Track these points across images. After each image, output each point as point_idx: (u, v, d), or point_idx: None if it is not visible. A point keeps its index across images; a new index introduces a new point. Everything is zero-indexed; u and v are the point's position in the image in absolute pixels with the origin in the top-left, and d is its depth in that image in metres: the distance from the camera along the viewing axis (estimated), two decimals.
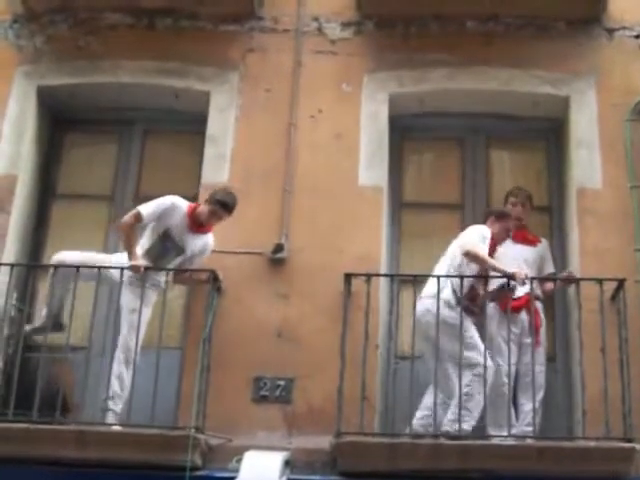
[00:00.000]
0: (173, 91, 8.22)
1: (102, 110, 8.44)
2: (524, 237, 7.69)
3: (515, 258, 7.48)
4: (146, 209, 7.19)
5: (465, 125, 8.32)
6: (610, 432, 6.63)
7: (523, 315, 7.36)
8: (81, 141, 8.59)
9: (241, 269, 7.50)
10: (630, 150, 7.73)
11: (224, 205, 7.25)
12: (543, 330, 7.42)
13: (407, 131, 8.34)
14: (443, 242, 7.60)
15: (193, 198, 7.62)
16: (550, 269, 7.70)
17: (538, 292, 7.39)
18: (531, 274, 7.27)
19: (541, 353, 7.31)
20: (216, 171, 7.85)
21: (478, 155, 8.29)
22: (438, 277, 7.07)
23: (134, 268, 7.05)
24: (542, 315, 7.48)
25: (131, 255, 7.12)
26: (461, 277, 7.14)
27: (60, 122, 8.50)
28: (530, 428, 6.92)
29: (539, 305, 7.44)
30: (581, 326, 6.95)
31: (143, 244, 7.27)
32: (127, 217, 7.17)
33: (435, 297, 6.93)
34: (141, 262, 7.10)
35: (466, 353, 6.89)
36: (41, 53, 8.32)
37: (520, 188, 7.86)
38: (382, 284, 7.48)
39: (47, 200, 8.32)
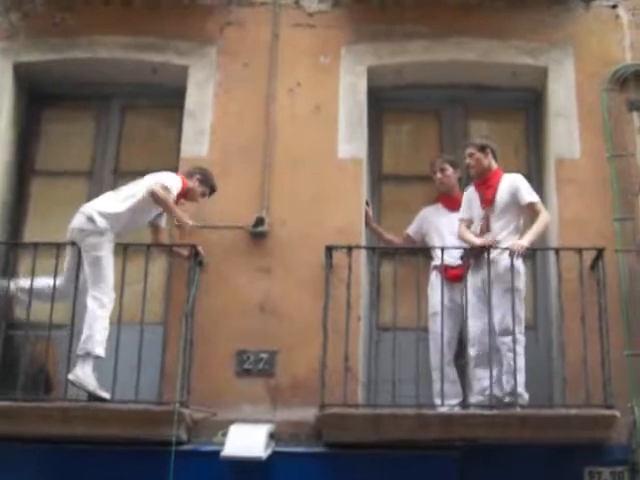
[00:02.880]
0: (151, 66, 8.13)
1: (79, 86, 8.34)
2: (457, 204, 7.61)
3: (448, 226, 7.54)
4: (169, 184, 7.17)
5: (443, 96, 8.28)
6: (590, 399, 6.70)
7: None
8: (59, 117, 8.48)
9: (222, 243, 7.48)
10: (608, 119, 7.74)
11: (214, 191, 7.44)
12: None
13: (386, 103, 8.29)
14: None
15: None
16: None
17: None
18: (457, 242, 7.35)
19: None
20: (195, 146, 7.80)
21: (457, 126, 8.25)
22: (419, 249, 7.12)
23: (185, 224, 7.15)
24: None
25: (181, 217, 7.15)
26: (442, 248, 7.19)
27: (37, 98, 8.40)
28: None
29: None
30: (561, 295, 7.03)
31: (130, 202, 7.17)
32: (158, 189, 7.06)
33: None
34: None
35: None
36: (17, 29, 8.20)
37: (440, 156, 7.86)
38: (363, 256, 7.48)
39: (26, 177, 8.24)
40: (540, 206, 7.22)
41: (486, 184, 7.35)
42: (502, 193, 7.26)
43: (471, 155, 7.39)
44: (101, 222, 7.05)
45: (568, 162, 7.70)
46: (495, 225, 7.22)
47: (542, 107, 8.10)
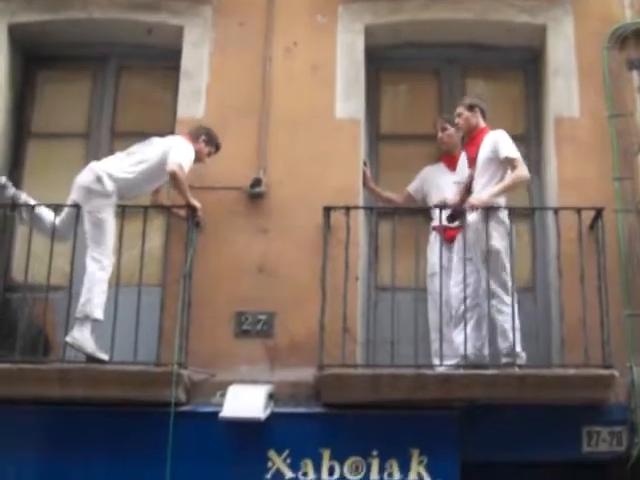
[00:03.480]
0: (146, 26, 8.01)
1: (75, 47, 8.24)
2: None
3: (449, 185, 7.48)
4: (186, 163, 7.09)
5: (441, 55, 8.18)
6: (589, 359, 6.67)
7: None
8: (55, 79, 8.39)
9: (220, 205, 7.42)
10: (608, 78, 7.65)
11: (219, 149, 7.41)
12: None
13: (383, 62, 8.18)
14: None
15: (170, 134, 7.50)
16: None
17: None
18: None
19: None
20: (192, 106, 7.71)
21: (455, 85, 8.15)
22: (418, 209, 7.06)
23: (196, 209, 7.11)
24: None
25: (191, 201, 7.10)
26: (440, 208, 7.12)
27: (33, 60, 8.29)
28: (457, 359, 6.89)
29: None
30: (560, 255, 6.97)
31: (141, 168, 7.12)
32: (180, 171, 6.99)
33: None
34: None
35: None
36: None
37: (441, 115, 7.79)
38: (361, 216, 7.42)
39: (22, 139, 8.15)
40: (518, 162, 7.04)
41: (471, 143, 7.30)
42: (484, 150, 7.16)
43: (460, 115, 7.36)
44: (109, 185, 6.99)
45: (567, 121, 7.62)
46: (477, 183, 7.13)
47: (541, 66, 8.00)
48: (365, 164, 7.61)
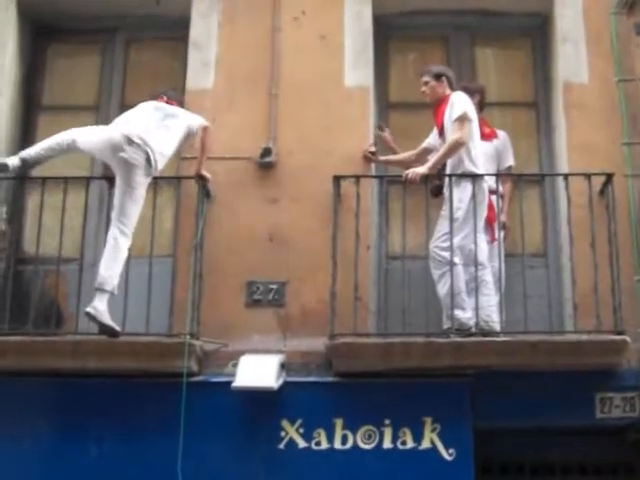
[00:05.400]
0: None
1: (84, 19, 7.89)
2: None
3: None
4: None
5: (450, 22, 7.80)
6: (601, 325, 6.40)
7: None
8: (64, 51, 8.06)
9: (230, 175, 7.11)
10: (616, 43, 7.30)
11: None
12: (498, 224, 6.87)
13: (391, 30, 7.82)
14: None
15: (180, 104, 7.17)
16: (508, 163, 7.21)
17: (493, 185, 6.86)
18: (490, 170, 6.90)
19: (495, 247, 6.83)
20: (201, 77, 7.38)
21: (463, 53, 7.80)
22: (427, 176, 6.66)
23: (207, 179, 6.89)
24: (497, 209, 6.87)
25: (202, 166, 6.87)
26: (450, 176, 6.72)
27: (42, 33, 7.97)
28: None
29: (493, 198, 6.88)
30: (570, 221, 6.67)
31: (177, 142, 6.79)
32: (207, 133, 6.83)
33: None
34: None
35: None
36: None
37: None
38: (372, 185, 7.12)
39: (32, 112, 7.83)
40: (459, 125, 6.64)
41: (438, 111, 6.91)
42: (446, 116, 6.80)
43: (426, 83, 6.96)
44: (160, 166, 6.62)
45: (576, 87, 7.27)
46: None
47: (549, 32, 7.63)
48: (381, 128, 7.19)
